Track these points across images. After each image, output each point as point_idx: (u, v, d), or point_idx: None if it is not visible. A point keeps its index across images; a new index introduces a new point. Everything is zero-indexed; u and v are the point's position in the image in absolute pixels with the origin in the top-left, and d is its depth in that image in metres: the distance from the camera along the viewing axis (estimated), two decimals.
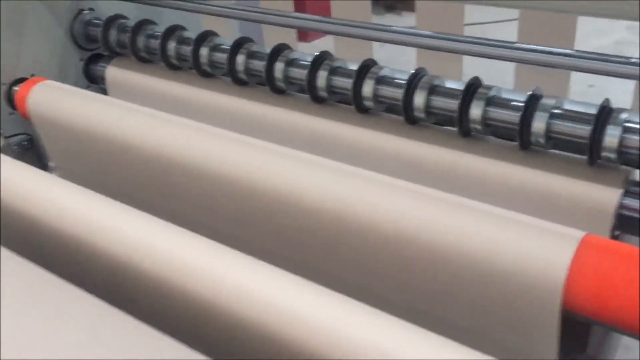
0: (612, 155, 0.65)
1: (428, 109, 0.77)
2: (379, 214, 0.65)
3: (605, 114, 0.66)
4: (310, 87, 0.86)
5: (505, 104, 0.72)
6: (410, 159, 0.80)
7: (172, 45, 1.00)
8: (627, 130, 0.65)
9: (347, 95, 0.83)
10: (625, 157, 0.66)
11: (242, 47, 0.94)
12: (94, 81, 1.16)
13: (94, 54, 1.16)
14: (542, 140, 0.70)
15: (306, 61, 0.87)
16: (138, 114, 0.91)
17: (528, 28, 0.91)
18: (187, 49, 0.98)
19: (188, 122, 0.87)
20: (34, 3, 1.05)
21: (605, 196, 0.66)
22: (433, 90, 0.77)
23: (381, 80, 0.81)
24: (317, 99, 0.88)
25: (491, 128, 0.74)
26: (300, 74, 0.88)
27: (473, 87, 0.74)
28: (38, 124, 1.01)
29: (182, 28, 1.02)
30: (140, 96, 1.05)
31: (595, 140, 0.66)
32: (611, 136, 0.65)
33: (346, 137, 0.85)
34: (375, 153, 0.82)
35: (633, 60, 0.68)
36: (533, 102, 0.70)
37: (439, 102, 0.76)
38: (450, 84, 0.78)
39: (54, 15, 1.10)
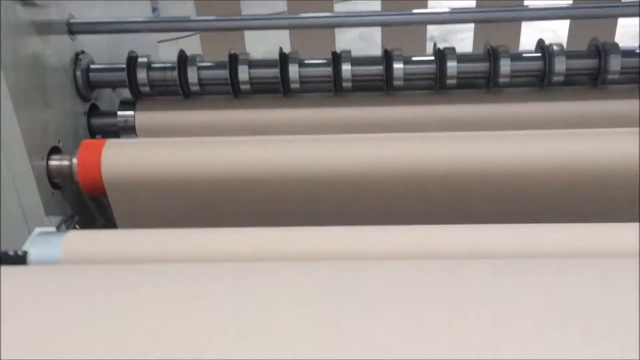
0: None
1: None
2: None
3: None
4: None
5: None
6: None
7: (243, 70, 0.92)
8: None
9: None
10: None
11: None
12: (95, 135, 0.98)
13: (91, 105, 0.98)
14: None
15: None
16: (244, 143, 0.84)
17: None
18: (270, 71, 0.92)
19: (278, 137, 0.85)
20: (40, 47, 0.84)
21: None
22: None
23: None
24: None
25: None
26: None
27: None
28: (116, 188, 0.83)
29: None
30: (193, 133, 0.93)
31: None
32: None
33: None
34: None
35: None
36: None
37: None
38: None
39: (61, 65, 0.89)
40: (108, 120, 0.97)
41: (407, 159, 0.80)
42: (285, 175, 0.79)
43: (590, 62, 0.92)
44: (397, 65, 0.91)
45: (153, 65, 0.94)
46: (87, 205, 0.95)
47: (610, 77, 0.91)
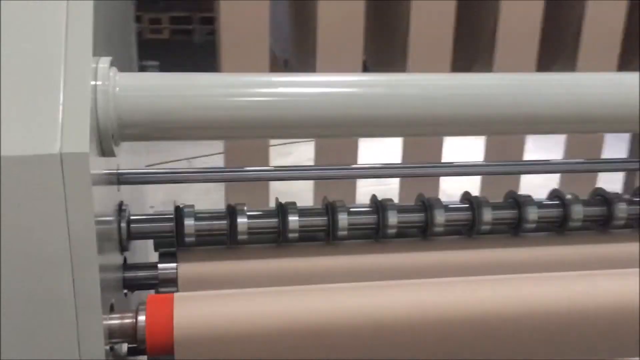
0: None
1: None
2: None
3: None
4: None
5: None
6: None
7: (293, 219, 0.93)
8: None
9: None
10: None
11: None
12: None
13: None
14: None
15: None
16: (311, 292, 0.84)
17: None
18: (318, 220, 0.94)
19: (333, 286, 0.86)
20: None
21: None
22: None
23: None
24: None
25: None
26: None
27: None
28: (187, 346, 0.77)
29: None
30: (237, 283, 0.91)
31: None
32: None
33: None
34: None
35: None
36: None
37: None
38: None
39: (113, 217, 0.85)
40: (145, 274, 0.92)
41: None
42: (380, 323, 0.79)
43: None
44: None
45: (200, 215, 0.92)
46: None
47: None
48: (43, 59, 0.70)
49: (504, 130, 0.96)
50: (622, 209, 1.01)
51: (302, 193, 1.13)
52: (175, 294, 0.80)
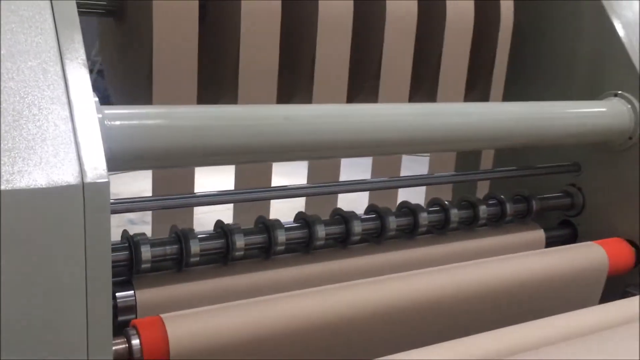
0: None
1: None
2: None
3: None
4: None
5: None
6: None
7: (239, 239, 1.00)
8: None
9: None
10: None
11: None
12: None
13: None
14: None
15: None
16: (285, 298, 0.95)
17: None
18: (260, 237, 1.03)
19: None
20: None
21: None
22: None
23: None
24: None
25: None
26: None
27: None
28: None
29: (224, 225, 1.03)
30: (192, 303, 0.96)
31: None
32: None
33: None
34: None
35: None
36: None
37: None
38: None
39: None
40: None
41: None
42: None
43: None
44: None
45: (154, 242, 0.95)
46: None
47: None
48: (48, 94, 0.71)
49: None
50: (483, 210, 1.27)
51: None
52: (163, 316, 0.83)
